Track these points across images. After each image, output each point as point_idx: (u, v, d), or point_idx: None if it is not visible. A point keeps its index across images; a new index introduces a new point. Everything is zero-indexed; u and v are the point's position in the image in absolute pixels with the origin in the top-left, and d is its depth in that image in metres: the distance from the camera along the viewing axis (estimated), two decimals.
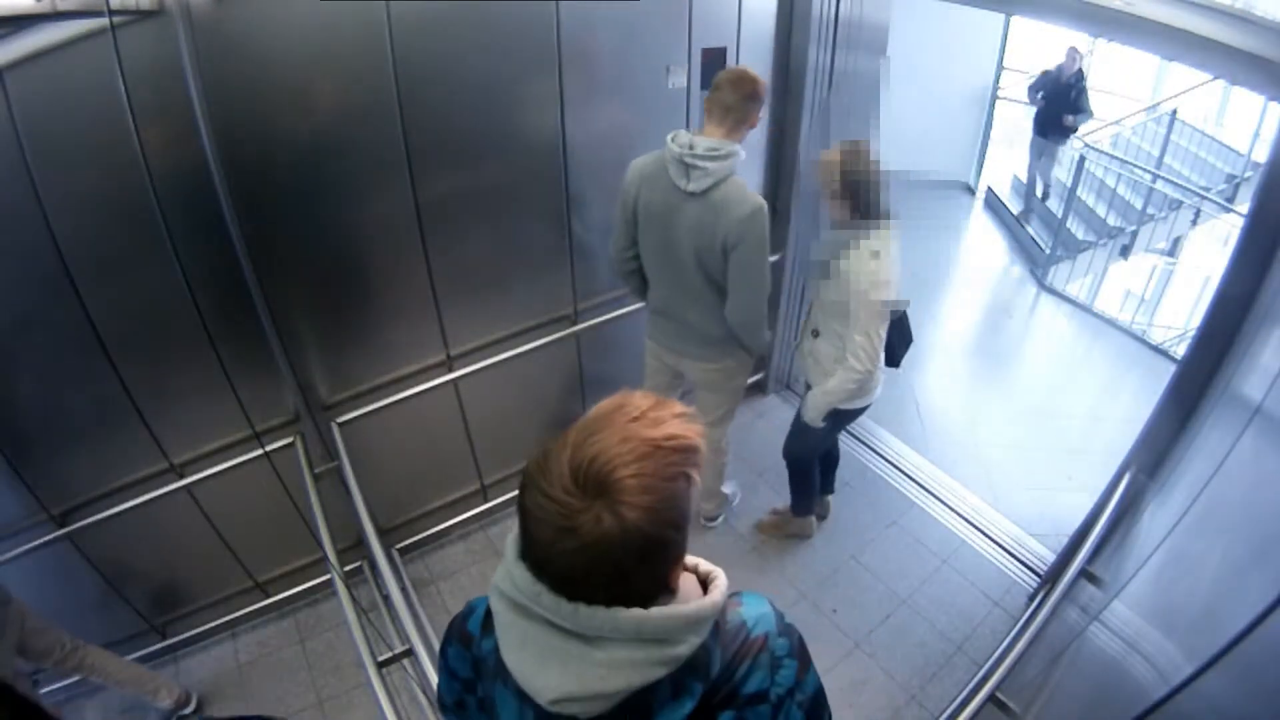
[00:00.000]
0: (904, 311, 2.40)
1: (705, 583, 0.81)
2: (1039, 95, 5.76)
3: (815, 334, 2.35)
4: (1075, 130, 5.76)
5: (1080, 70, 5.44)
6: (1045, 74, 5.70)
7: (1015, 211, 6.40)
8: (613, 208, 2.26)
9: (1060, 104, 5.58)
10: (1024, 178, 6.48)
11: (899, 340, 2.44)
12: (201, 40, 1.75)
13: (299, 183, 2.05)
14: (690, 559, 0.82)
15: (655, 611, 0.69)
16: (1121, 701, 1.43)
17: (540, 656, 0.71)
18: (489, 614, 0.84)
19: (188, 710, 2.42)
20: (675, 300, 2.30)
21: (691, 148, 1.99)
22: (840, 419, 2.47)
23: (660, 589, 0.73)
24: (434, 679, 1.68)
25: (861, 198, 2.05)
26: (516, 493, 0.72)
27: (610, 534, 0.65)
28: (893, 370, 2.46)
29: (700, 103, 2.16)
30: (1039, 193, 6.48)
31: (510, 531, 0.76)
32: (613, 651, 0.69)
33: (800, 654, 0.84)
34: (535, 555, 0.70)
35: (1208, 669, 1.10)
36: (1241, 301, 1.75)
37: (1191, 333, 2.33)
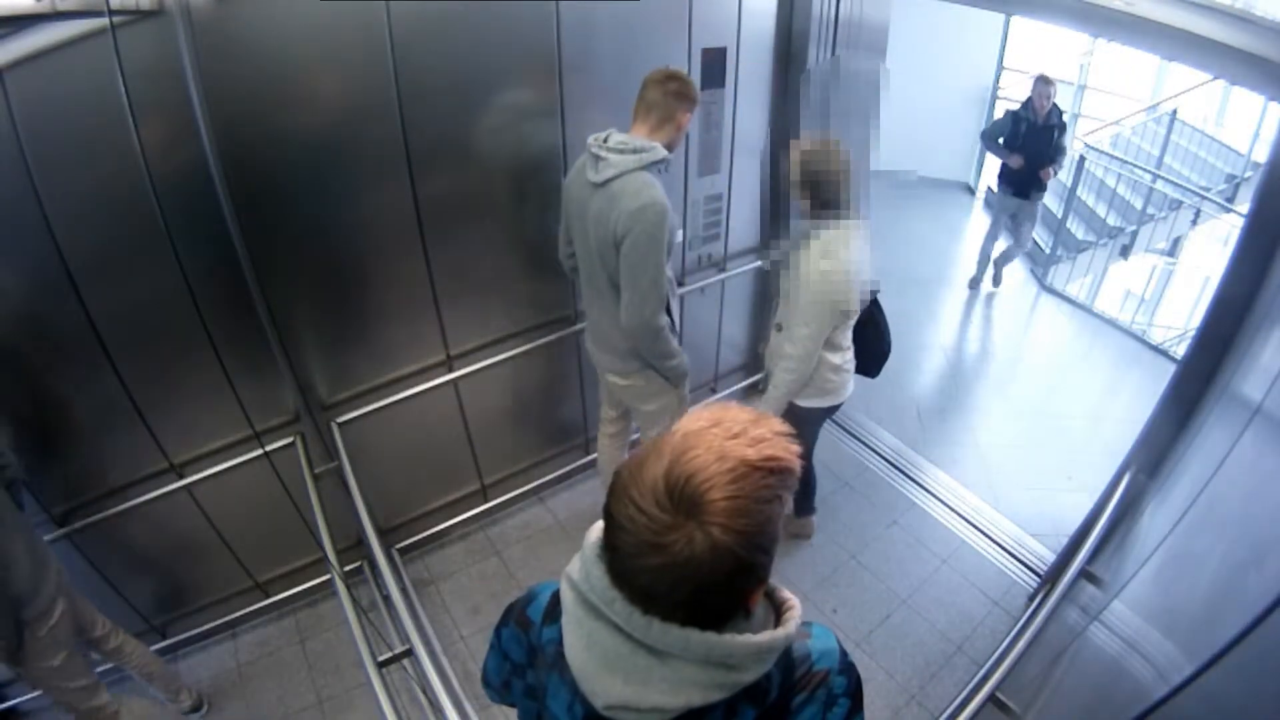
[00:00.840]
0: (881, 321, 2.41)
1: (779, 609, 0.79)
2: (1000, 142, 4.45)
3: (779, 328, 2.35)
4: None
5: (1056, 105, 4.28)
6: (1015, 117, 4.37)
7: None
8: None
9: (1041, 153, 4.31)
10: None
11: (876, 350, 2.45)
12: (201, 40, 1.75)
13: (299, 183, 2.05)
14: (771, 584, 0.80)
15: (729, 638, 0.68)
16: (1121, 701, 1.43)
17: (604, 660, 0.71)
18: (553, 604, 0.84)
19: (199, 715, 2.44)
20: (590, 302, 2.27)
21: (606, 141, 1.97)
22: (821, 415, 2.47)
23: (737, 611, 0.72)
24: (433, 679, 1.69)
25: (821, 193, 2.05)
26: (607, 500, 0.69)
27: (700, 555, 0.63)
28: (889, 370, 2.46)
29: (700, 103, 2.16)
30: (992, 276, 5.11)
31: (593, 528, 0.75)
32: (678, 669, 0.68)
33: (855, 695, 0.85)
34: (617, 566, 0.68)
35: (1208, 669, 1.10)
36: (1241, 301, 1.75)
37: (1191, 333, 2.32)
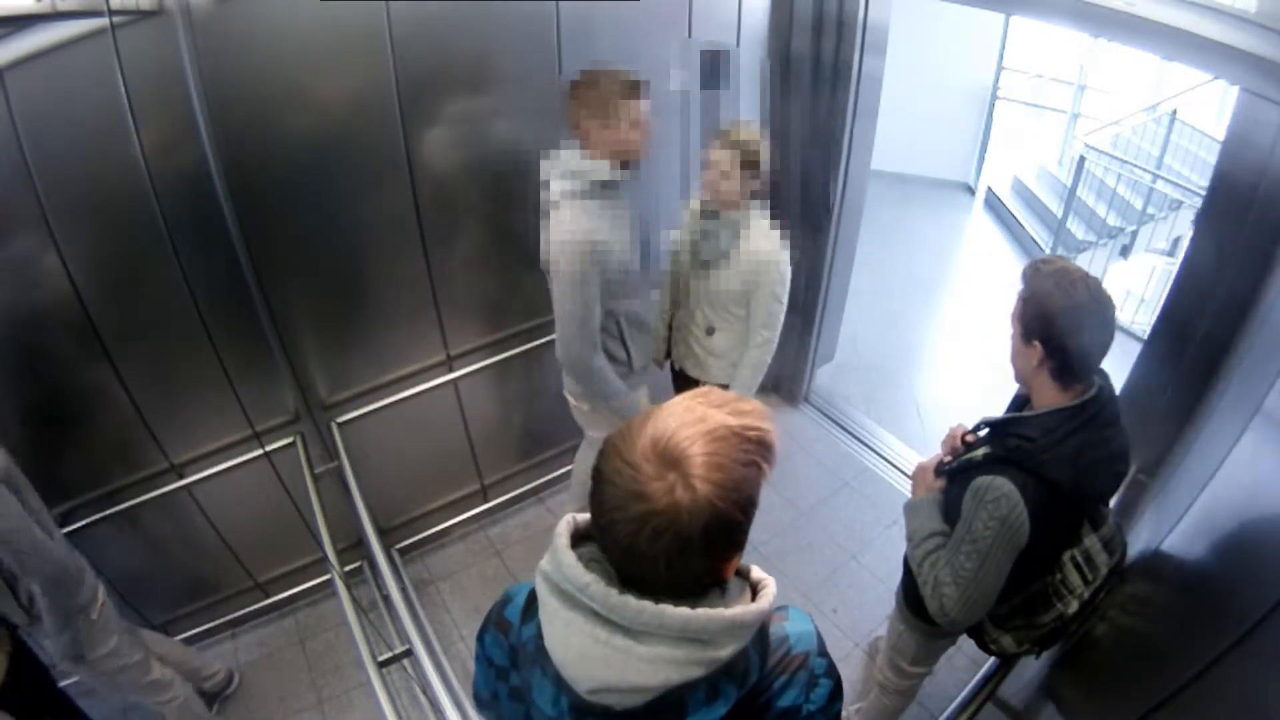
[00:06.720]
0: None
1: (755, 589, 0.82)
2: None
3: (710, 331, 2.30)
4: None
5: None
6: None
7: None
8: None
9: None
10: (1024, 178, 6.33)
11: None
12: (201, 40, 1.75)
13: (299, 183, 2.05)
14: (744, 564, 0.83)
15: (701, 612, 0.70)
16: (1122, 701, 1.43)
17: (583, 646, 0.73)
18: (529, 602, 0.85)
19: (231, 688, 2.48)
20: None
21: (553, 162, 1.87)
22: None
23: (713, 578, 0.75)
24: (433, 679, 1.70)
25: (760, 181, 2.06)
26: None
27: (680, 503, 0.68)
28: (889, 370, 2.46)
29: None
30: None
31: (561, 522, 0.79)
32: (655, 647, 0.70)
33: (835, 675, 0.86)
34: (602, 520, 0.72)
35: (1209, 669, 1.10)
36: (1241, 302, 1.75)
37: None
